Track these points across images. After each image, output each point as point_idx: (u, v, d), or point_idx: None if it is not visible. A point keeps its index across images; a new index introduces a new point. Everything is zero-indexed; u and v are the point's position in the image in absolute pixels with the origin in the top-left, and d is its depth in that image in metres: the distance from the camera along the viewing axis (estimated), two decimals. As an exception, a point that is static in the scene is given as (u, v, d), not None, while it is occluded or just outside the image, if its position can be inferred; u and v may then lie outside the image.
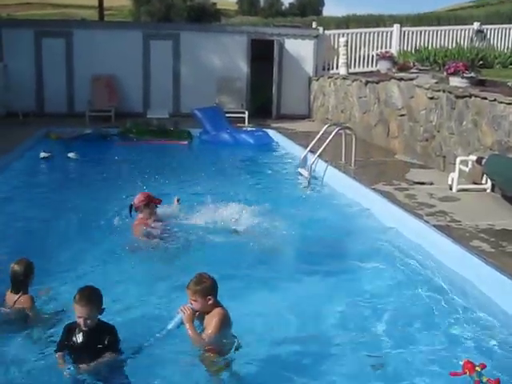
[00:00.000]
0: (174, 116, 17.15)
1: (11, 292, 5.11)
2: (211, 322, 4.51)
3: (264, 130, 15.71)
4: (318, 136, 11.44)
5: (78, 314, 4.22)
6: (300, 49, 19.53)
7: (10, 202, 9.18)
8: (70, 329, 4.34)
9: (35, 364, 4.43)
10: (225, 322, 4.56)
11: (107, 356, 4.25)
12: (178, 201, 8.07)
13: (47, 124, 15.96)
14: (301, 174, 10.91)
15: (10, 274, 5.12)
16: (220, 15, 62.34)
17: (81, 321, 4.22)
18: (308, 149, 11.44)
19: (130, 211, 7.42)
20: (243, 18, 55.88)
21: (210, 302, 4.55)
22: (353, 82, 15.66)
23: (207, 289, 4.55)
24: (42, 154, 12.41)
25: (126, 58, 18.71)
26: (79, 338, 4.27)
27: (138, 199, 7.37)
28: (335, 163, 10.98)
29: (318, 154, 10.72)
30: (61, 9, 69.14)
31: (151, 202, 7.41)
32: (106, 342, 4.26)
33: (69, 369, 4.25)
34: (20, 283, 5.09)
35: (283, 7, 72.19)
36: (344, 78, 16.57)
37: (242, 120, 17.58)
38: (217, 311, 4.55)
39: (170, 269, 6.51)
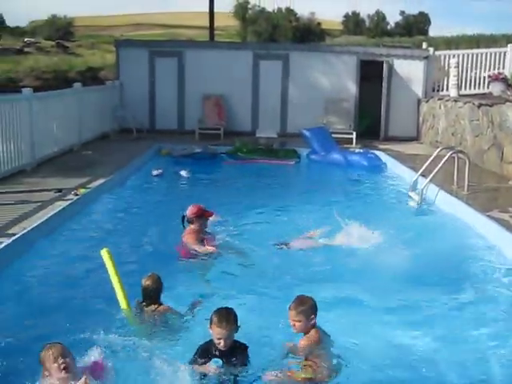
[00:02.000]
0: (281, 136, 17.35)
1: (144, 305, 5.29)
2: (306, 343, 4.62)
3: (373, 151, 15.51)
4: (431, 159, 11.23)
5: (218, 335, 4.31)
6: (409, 70, 19.26)
7: (124, 216, 9.55)
8: (206, 349, 4.42)
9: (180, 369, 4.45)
10: (319, 343, 4.63)
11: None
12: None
13: (159, 140, 16.56)
14: (411, 198, 10.74)
15: (142, 288, 5.30)
16: (325, 35, 62.55)
17: (221, 342, 4.30)
18: (419, 172, 11.25)
19: (183, 222, 7.52)
20: (349, 37, 55.63)
21: (313, 321, 4.65)
22: (464, 104, 15.30)
23: (310, 308, 4.66)
24: (155, 172, 12.80)
25: (236, 77, 19.11)
26: (216, 357, 4.34)
27: (190, 211, 7.46)
28: (447, 188, 10.76)
29: (430, 177, 10.51)
30: (169, 29, 71.13)
31: (203, 215, 7.49)
32: (239, 360, 4.35)
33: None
34: (152, 296, 5.27)
35: (389, 27, 71.54)
36: (455, 101, 16.22)
37: (350, 141, 17.50)
38: (313, 334, 4.64)
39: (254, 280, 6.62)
